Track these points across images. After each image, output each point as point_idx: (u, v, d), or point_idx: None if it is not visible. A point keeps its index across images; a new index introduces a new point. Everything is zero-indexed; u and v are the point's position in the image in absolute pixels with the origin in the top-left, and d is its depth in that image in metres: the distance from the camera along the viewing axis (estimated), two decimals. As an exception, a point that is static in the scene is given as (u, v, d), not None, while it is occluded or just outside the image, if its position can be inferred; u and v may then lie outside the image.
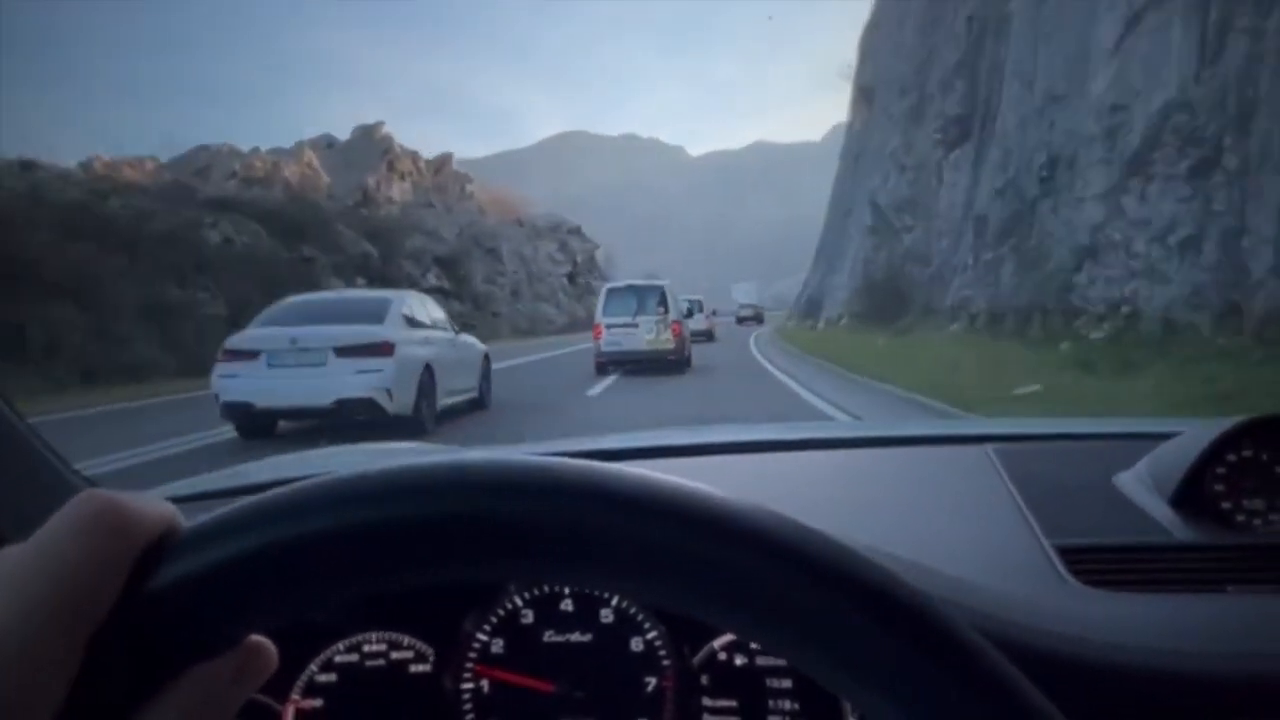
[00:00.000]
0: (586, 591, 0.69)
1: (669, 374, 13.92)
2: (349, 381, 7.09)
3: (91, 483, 0.68)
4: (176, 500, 1.06)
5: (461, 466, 0.28)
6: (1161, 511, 0.71)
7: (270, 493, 0.28)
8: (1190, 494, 0.71)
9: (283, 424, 7.82)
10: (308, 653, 0.69)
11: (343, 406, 7.14)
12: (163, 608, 0.27)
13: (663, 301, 14.57)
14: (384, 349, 7.22)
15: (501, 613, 0.69)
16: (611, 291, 15.28)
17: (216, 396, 7.34)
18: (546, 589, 0.70)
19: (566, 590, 0.69)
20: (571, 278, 66.34)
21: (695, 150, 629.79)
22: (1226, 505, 0.71)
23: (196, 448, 7.36)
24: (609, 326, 14.35)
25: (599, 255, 77.80)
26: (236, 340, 7.62)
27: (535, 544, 0.27)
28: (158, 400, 12.91)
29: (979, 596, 0.49)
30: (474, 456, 0.29)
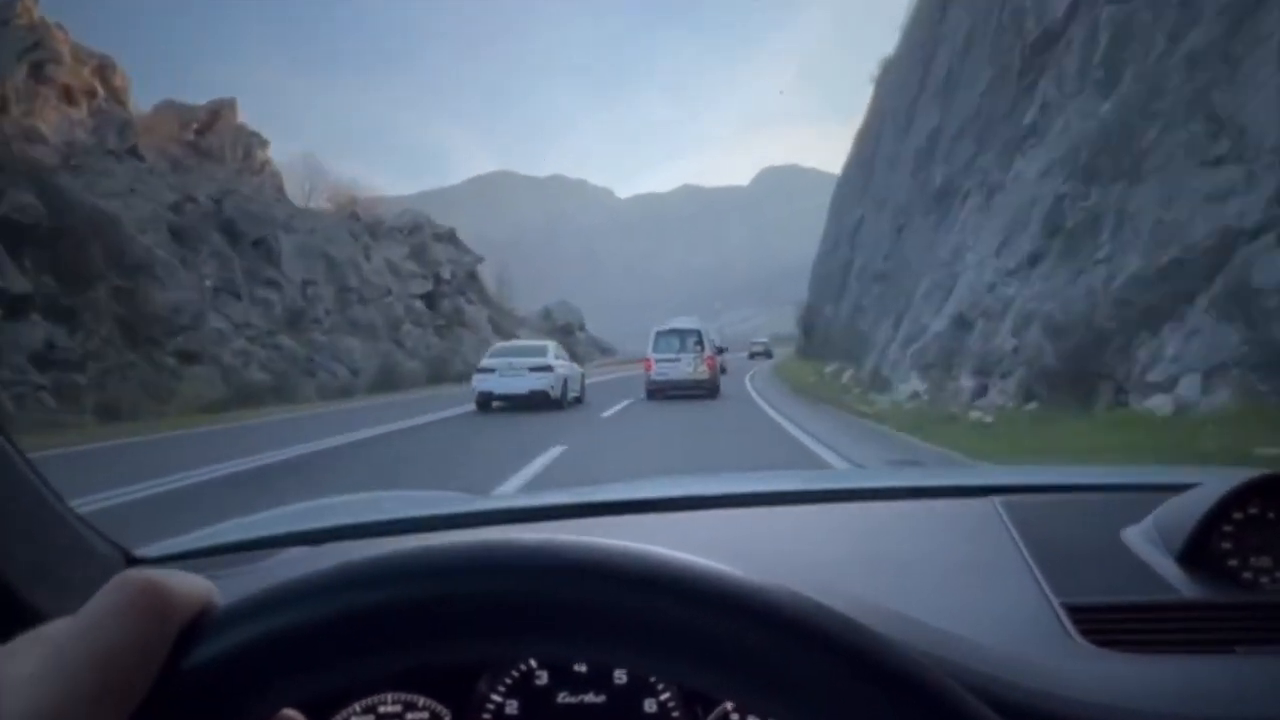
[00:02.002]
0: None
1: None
2: (535, 383, 15.49)
3: (86, 522, 0.70)
4: (198, 553, 0.92)
5: (486, 548, 0.29)
6: (1168, 568, 0.70)
7: (304, 574, 0.29)
8: (1197, 551, 0.70)
9: (495, 404, 15.76)
10: (324, 715, 0.69)
11: (532, 394, 15.36)
12: (200, 685, 0.27)
13: (700, 341, 17.94)
14: (549, 368, 15.80)
15: (516, 674, 0.70)
16: (660, 333, 18.27)
17: (474, 389, 15.89)
18: None
19: None
20: (431, 300, 43.66)
21: (623, 192, 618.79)
22: (1233, 563, 0.70)
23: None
24: (658, 361, 17.69)
25: (484, 271, 55.37)
26: (483, 363, 16.23)
27: (560, 624, 0.28)
28: None
29: (987, 658, 0.50)
30: (497, 539, 0.30)
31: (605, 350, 69.62)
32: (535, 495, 1.20)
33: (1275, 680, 0.53)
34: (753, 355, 60.89)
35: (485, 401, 15.62)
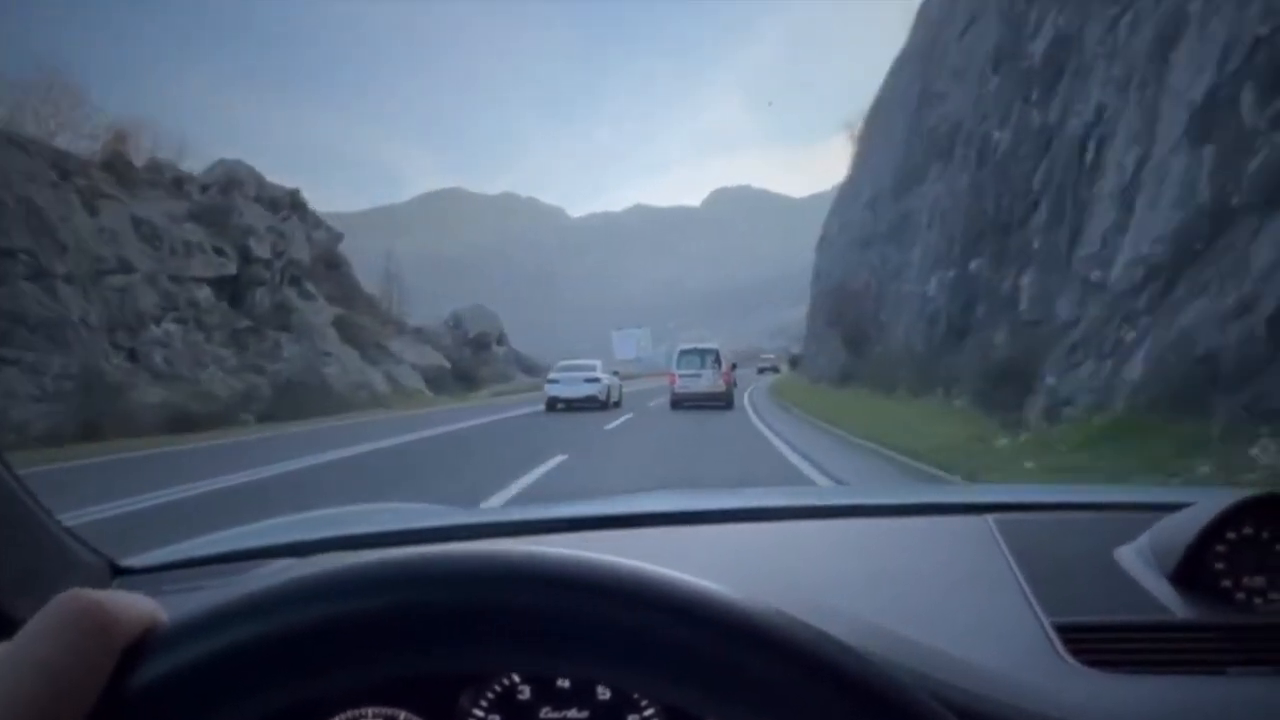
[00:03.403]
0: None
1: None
2: (588, 390, 22.08)
3: (73, 534, 0.70)
4: (186, 564, 0.92)
5: (443, 559, 0.28)
6: (1161, 588, 0.70)
7: (247, 589, 0.29)
8: (1191, 571, 0.70)
9: (559, 406, 21.71)
10: None
11: (587, 398, 21.77)
12: (145, 705, 0.27)
13: (717, 360, 21.64)
14: (598, 380, 22.52)
15: (498, 688, 0.68)
16: (683, 352, 22.34)
17: (546, 394, 22.71)
18: None
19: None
20: (235, 288, 27.39)
21: (575, 211, 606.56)
22: (1226, 583, 0.69)
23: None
24: (681, 376, 21.44)
25: (346, 253, 39.24)
26: (551, 376, 23.43)
27: (527, 636, 0.28)
28: None
29: (977, 677, 0.50)
30: (472, 549, 0.29)
31: (530, 370, 52.98)
32: (528, 509, 1.25)
33: (1265, 702, 0.53)
34: (761, 370, 65.72)
35: (552, 404, 21.86)
